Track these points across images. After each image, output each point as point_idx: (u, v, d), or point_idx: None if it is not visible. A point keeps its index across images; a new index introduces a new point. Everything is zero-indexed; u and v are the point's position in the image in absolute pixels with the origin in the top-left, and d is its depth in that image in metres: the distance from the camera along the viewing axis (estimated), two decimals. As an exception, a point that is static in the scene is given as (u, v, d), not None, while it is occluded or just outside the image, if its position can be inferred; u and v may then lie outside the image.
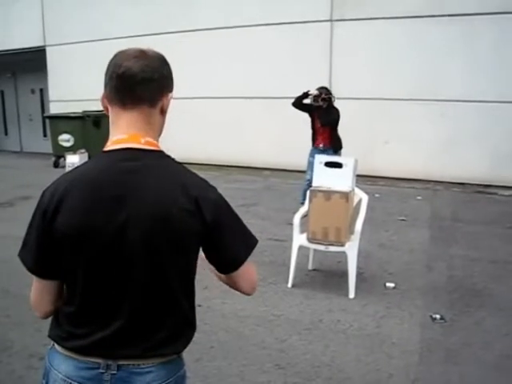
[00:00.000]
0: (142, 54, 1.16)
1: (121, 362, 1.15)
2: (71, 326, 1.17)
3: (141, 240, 1.11)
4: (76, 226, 1.11)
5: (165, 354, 1.18)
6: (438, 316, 3.41)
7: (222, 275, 1.27)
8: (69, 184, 1.15)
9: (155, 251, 1.12)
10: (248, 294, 1.30)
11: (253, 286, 1.28)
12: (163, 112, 1.21)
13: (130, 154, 1.15)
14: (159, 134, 1.23)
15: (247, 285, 1.27)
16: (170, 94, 1.21)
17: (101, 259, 1.12)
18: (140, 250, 1.12)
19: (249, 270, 1.25)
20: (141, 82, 1.14)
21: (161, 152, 1.19)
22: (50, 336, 1.22)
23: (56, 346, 1.20)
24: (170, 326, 1.17)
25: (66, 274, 1.17)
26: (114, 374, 1.14)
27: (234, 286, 1.27)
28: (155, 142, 1.19)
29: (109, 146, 1.18)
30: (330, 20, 8.60)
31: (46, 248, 1.15)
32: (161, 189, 1.13)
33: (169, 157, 1.20)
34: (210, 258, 1.23)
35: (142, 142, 1.16)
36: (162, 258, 1.13)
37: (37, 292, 1.21)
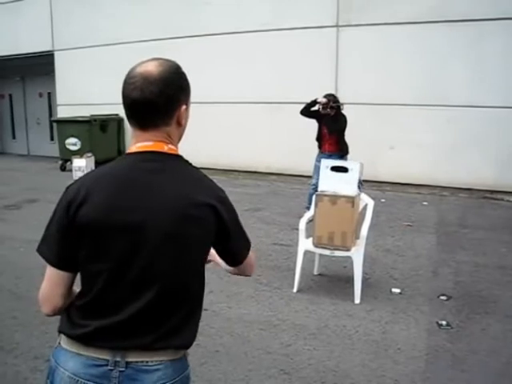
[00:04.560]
0: (145, 80, 1.17)
1: (129, 359, 1.17)
2: (83, 318, 1.19)
3: (161, 237, 1.16)
4: (99, 221, 1.15)
5: (173, 346, 1.20)
6: (444, 322, 3.38)
7: (230, 269, 1.43)
8: (94, 181, 1.21)
9: (175, 248, 1.18)
10: (250, 276, 1.52)
11: (254, 268, 1.48)
12: (180, 124, 1.26)
13: (153, 156, 1.21)
14: (179, 141, 1.30)
15: (250, 269, 1.46)
16: (184, 106, 1.24)
17: (122, 254, 1.16)
18: (160, 247, 1.17)
19: (250, 258, 1.40)
20: (149, 111, 1.19)
21: (181, 157, 1.27)
22: (59, 330, 1.23)
23: (63, 343, 1.22)
24: (180, 317, 1.21)
25: (85, 267, 1.20)
26: (123, 371, 1.16)
27: (239, 273, 1.45)
28: (176, 149, 1.27)
29: (134, 150, 1.24)
30: (337, 25, 8.62)
31: (67, 240, 1.18)
32: (181, 189, 1.20)
33: (187, 161, 1.27)
34: (221, 253, 1.36)
35: (166, 149, 1.23)
36: (181, 254, 1.19)
37: (50, 285, 1.22)
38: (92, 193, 1.17)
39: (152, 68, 1.19)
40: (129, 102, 1.20)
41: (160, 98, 1.18)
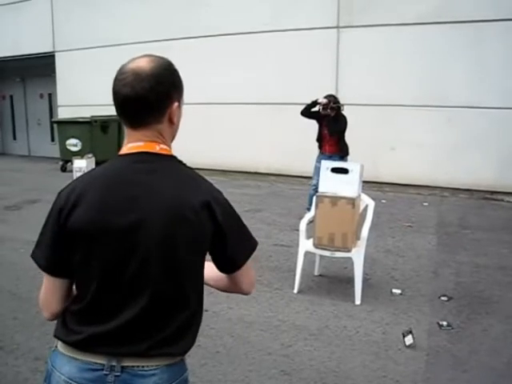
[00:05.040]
0: (136, 76, 1.15)
1: (125, 364, 1.15)
2: (78, 324, 1.18)
3: (155, 239, 1.14)
4: (91, 224, 1.14)
5: (169, 354, 1.18)
6: (444, 323, 3.38)
7: (221, 282, 1.33)
8: (85, 184, 1.19)
9: (169, 250, 1.15)
10: (248, 294, 1.35)
11: (253, 285, 1.35)
12: (172, 122, 1.23)
13: (146, 157, 1.19)
14: (172, 140, 1.27)
15: (248, 283, 1.32)
16: (177, 103, 1.21)
17: (115, 257, 1.14)
18: (154, 249, 1.14)
19: (250, 269, 1.30)
20: (140, 108, 1.16)
21: (174, 157, 1.24)
22: (55, 335, 1.22)
23: (59, 347, 1.21)
24: (176, 324, 1.18)
25: (78, 272, 1.18)
26: (118, 375, 1.14)
27: (235, 286, 1.32)
28: (169, 148, 1.24)
29: (125, 151, 1.21)
30: (337, 27, 8.62)
31: (59, 246, 1.17)
32: (174, 190, 1.17)
33: (181, 162, 1.24)
34: (216, 257, 1.27)
35: (157, 149, 1.20)
36: (175, 256, 1.16)
37: (47, 291, 1.22)
38: (84, 196, 1.15)
39: (144, 64, 1.16)
40: (119, 99, 1.17)
41: (151, 93, 1.15)
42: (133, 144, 1.20)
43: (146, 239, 1.14)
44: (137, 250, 1.14)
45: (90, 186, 1.18)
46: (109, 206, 1.15)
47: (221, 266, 1.29)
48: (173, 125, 1.24)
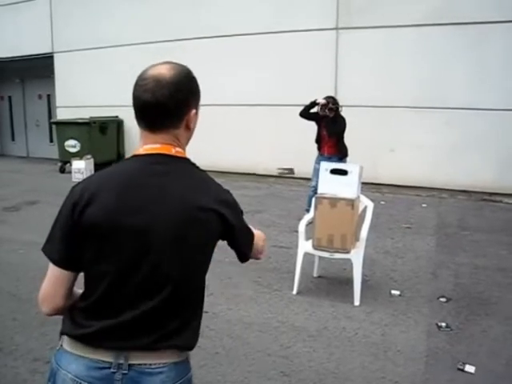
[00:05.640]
0: (157, 82, 1.18)
1: (132, 362, 1.17)
2: (85, 319, 1.19)
3: (166, 240, 1.17)
4: (105, 222, 1.15)
5: (175, 346, 1.21)
6: (443, 324, 3.39)
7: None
8: (100, 182, 1.21)
9: (180, 251, 1.18)
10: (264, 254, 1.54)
11: (264, 247, 1.52)
12: (189, 127, 1.27)
13: (161, 158, 1.22)
14: (187, 144, 1.32)
15: (260, 252, 1.49)
16: (194, 110, 1.26)
17: (127, 256, 1.17)
18: (165, 250, 1.17)
19: (257, 246, 1.45)
20: (159, 113, 1.20)
21: (187, 160, 1.28)
22: (62, 332, 1.23)
23: (65, 346, 1.22)
24: (181, 319, 1.21)
25: (89, 269, 1.20)
26: (125, 373, 1.16)
27: (254, 257, 1.48)
28: (184, 151, 1.28)
29: (141, 152, 1.24)
30: (336, 28, 8.63)
31: (72, 240, 1.18)
32: (185, 192, 1.20)
33: (194, 164, 1.28)
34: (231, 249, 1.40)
35: (173, 152, 1.24)
36: (185, 257, 1.19)
37: (51, 284, 1.22)
38: (98, 194, 1.17)
39: (164, 71, 1.20)
40: (139, 104, 1.21)
41: (171, 101, 1.19)
42: (150, 146, 1.23)
43: (158, 240, 1.16)
44: (149, 251, 1.16)
45: (104, 184, 1.20)
46: (123, 206, 1.17)
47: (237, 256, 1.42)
48: (189, 130, 1.28)
